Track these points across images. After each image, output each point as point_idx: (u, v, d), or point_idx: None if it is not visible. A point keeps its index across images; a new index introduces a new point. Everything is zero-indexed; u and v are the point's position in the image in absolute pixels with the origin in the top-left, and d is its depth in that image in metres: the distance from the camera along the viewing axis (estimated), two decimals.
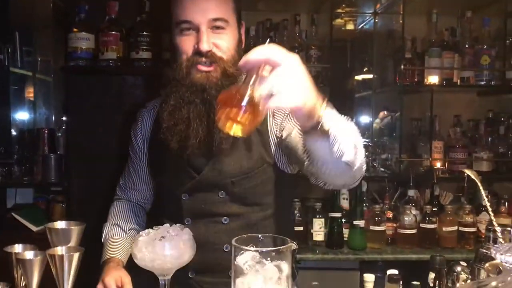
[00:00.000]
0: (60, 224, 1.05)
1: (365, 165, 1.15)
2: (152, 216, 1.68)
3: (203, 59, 1.32)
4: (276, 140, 1.41)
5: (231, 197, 1.41)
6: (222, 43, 1.34)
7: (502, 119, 2.99)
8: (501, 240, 0.90)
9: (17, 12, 2.81)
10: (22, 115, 2.91)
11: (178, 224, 1.04)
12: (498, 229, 0.92)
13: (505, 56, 2.85)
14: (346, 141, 1.03)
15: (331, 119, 0.99)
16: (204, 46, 1.30)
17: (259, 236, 0.97)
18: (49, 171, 2.43)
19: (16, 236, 2.36)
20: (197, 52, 1.32)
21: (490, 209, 0.95)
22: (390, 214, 2.61)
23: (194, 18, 1.31)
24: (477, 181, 0.98)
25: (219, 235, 1.41)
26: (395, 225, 2.59)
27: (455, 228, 2.55)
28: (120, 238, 1.54)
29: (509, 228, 0.93)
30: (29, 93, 2.90)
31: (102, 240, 1.57)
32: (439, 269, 1.24)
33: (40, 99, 2.94)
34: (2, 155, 2.53)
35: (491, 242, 0.92)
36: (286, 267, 0.91)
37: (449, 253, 2.47)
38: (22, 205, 2.64)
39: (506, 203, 2.68)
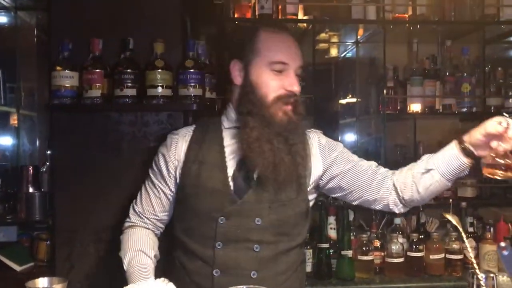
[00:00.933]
0: (42, 282, 1.04)
1: None
2: (175, 239, 1.65)
3: (291, 100, 1.48)
4: (316, 177, 1.59)
5: (266, 224, 1.49)
6: (299, 87, 1.51)
7: None
8: (483, 286, 0.91)
9: (0, 47, 2.82)
10: (5, 151, 2.88)
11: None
12: (481, 276, 0.93)
13: (485, 83, 2.91)
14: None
15: None
16: (295, 88, 1.48)
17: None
18: (33, 209, 2.40)
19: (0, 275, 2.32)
20: (289, 93, 1.48)
21: (473, 258, 0.96)
22: (377, 243, 2.61)
23: (290, 61, 1.49)
24: (458, 227, 0.99)
25: (248, 262, 1.48)
26: (382, 254, 2.59)
27: (442, 255, 2.56)
28: (148, 264, 1.53)
29: (492, 275, 0.94)
30: (13, 129, 2.88)
31: (125, 267, 1.54)
32: None
33: (24, 134, 2.92)
34: None
35: None
36: None
37: (437, 281, 2.48)
38: (5, 243, 2.59)
39: (492, 229, 2.70)
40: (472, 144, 1.44)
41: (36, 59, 2.97)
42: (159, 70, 2.12)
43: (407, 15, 2.90)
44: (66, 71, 2.09)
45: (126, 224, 1.70)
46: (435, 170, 1.49)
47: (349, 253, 2.51)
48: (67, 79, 2.10)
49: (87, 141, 2.24)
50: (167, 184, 1.62)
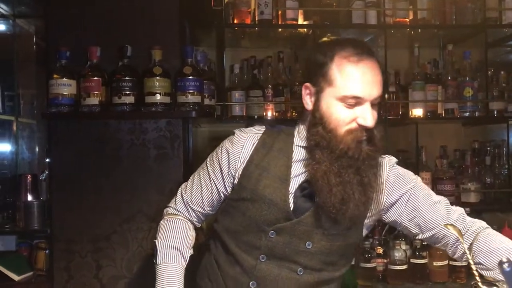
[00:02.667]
0: None
1: None
2: (215, 234, 1.61)
3: (364, 133, 1.38)
4: (377, 211, 1.50)
5: (316, 250, 1.44)
6: (375, 116, 1.40)
7: (488, 148, 3.01)
8: None
9: None
10: (4, 160, 2.88)
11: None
12: None
13: (487, 87, 2.88)
14: None
15: None
16: (370, 123, 1.36)
17: None
18: (32, 218, 2.38)
19: None
20: (362, 127, 1.37)
21: (474, 268, 0.94)
22: (380, 250, 2.58)
23: (365, 95, 1.36)
24: (460, 238, 0.96)
25: (288, 283, 1.45)
26: (385, 261, 2.56)
27: (446, 262, 2.53)
28: (179, 266, 1.49)
29: (494, 287, 0.91)
30: (12, 137, 2.87)
31: (158, 261, 1.49)
32: None
33: (23, 143, 2.91)
34: None
35: None
36: None
37: None
38: (4, 252, 2.57)
39: None
40: None
41: (35, 66, 2.96)
42: (157, 77, 2.11)
43: (408, 20, 2.88)
44: (64, 79, 2.09)
45: (170, 210, 1.63)
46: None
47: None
48: (65, 87, 2.09)
49: (86, 149, 2.24)
50: (224, 181, 1.54)
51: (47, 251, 2.41)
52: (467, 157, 2.95)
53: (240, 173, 1.50)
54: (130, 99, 2.11)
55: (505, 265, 0.64)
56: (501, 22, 2.86)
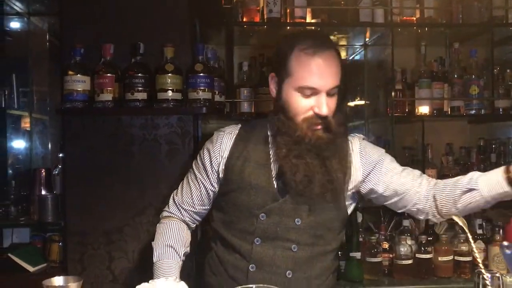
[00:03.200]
0: (58, 281, 1.07)
1: None
2: (214, 231, 1.71)
3: (319, 121, 1.49)
4: (356, 184, 1.62)
5: (305, 225, 1.54)
6: (332, 105, 1.51)
7: (493, 146, 3.04)
8: (489, 286, 0.93)
9: (13, 52, 2.88)
10: (18, 155, 2.94)
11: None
12: (487, 276, 0.95)
13: (493, 85, 2.91)
14: None
15: None
16: (324, 111, 1.47)
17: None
18: (46, 211, 2.44)
19: (13, 277, 2.36)
20: (317, 115, 1.48)
21: (478, 256, 0.98)
22: (386, 245, 2.61)
23: (319, 86, 1.47)
24: (465, 228, 1.01)
25: (285, 261, 1.53)
26: (391, 255, 2.60)
27: (451, 257, 2.56)
28: (174, 262, 1.57)
29: (497, 275, 0.95)
30: (26, 132, 2.93)
31: (154, 259, 1.59)
32: None
33: (37, 138, 2.98)
34: None
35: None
36: None
37: (446, 283, 2.48)
38: (18, 244, 2.64)
39: (501, 230, 2.70)
40: None
41: (48, 63, 3.02)
42: (169, 74, 2.16)
43: (415, 18, 2.91)
44: (78, 75, 2.14)
45: (164, 214, 1.74)
46: (478, 191, 1.48)
47: (358, 255, 2.52)
48: (79, 83, 2.14)
49: (99, 144, 2.29)
50: (209, 179, 1.65)
51: (60, 244, 2.47)
52: (473, 154, 2.98)
53: (223, 167, 1.61)
54: (142, 96, 2.16)
55: (506, 249, 0.69)
56: (508, 21, 2.90)
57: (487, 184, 1.47)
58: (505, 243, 0.69)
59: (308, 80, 1.46)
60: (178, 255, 1.60)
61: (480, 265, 0.96)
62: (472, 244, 1.00)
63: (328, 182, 1.50)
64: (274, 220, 1.53)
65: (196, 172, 1.69)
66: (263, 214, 1.53)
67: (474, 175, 1.54)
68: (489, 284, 0.90)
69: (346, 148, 1.59)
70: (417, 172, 1.65)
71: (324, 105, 1.46)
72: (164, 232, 1.64)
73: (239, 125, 1.70)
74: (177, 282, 1.02)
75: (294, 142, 1.49)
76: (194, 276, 2.23)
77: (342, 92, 1.59)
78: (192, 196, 1.68)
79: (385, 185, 1.61)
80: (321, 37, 1.60)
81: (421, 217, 1.66)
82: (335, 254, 1.70)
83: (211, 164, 1.64)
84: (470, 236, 1.02)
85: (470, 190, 1.49)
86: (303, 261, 1.55)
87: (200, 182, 1.67)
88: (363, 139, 1.69)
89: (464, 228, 1.00)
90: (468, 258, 2.55)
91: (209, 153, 1.65)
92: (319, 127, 1.49)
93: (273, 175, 1.56)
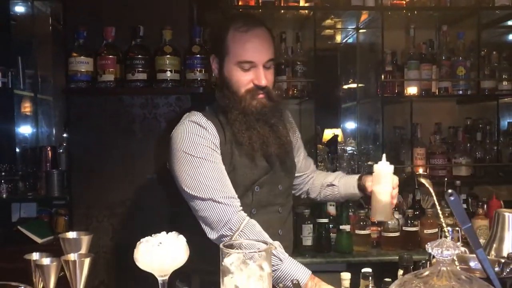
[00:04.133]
0: (72, 234, 1.21)
1: None
2: None
3: (260, 92, 1.64)
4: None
5: (284, 189, 1.75)
6: (270, 78, 1.67)
7: (480, 125, 3.16)
8: (449, 238, 1.06)
9: (18, 35, 2.98)
10: (25, 133, 3.06)
11: (173, 232, 1.19)
12: (447, 229, 1.08)
13: (479, 66, 3.02)
14: None
15: None
16: (263, 82, 1.62)
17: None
18: (52, 186, 2.57)
19: (22, 248, 2.50)
20: (257, 87, 1.63)
21: (440, 213, 1.11)
22: (374, 219, 2.75)
23: (255, 59, 1.61)
24: (430, 189, 1.14)
25: (276, 222, 1.71)
26: (379, 229, 2.73)
27: (436, 230, 2.69)
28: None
29: (457, 228, 1.09)
30: (31, 112, 3.05)
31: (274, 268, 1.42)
32: (406, 266, 1.40)
33: (42, 117, 3.10)
34: (8, 172, 2.67)
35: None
36: (266, 266, 1.07)
37: None
38: (26, 218, 2.78)
39: (485, 206, 2.84)
40: (366, 185, 1.77)
41: (51, 47, 3.13)
42: (168, 56, 2.28)
43: (404, 2, 3.00)
44: (82, 57, 2.26)
45: (242, 214, 1.57)
46: (337, 187, 1.91)
47: (348, 227, 2.66)
48: (82, 64, 2.26)
49: (101, 122, 2.42)
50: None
51: (66, 217, 2.61)
52: (459, 133, 3.10)
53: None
54: (142, 76, 2.28)
55: (450, 196, 0.81)
56: (494, 4, 2.98)
57: (344, 184, 1.89)
58: (449, 190, 0.81)
59: (245, 54, 1.61)
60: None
61: (442, 219, 1.09)
62: (437, 206, 1.13)
63: (284, 144, 1.69)
64: (266, 190, 1.68)
65: (215, 160, 1.59)
66: (257, 186, 1.67)
67: (339, 174, 1.97)
68: (448, 234, 1.04)
69: (285, 116, 1.79)
70: (311, 162, 2.04)
71: (263, 77, 1.61)
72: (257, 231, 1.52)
73: (201, 114, 1.66)
74: (177, 235, 1.15)
75: (243, 115, 1.62)
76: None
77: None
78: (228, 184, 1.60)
79: (303, 157, 1.94)
80: (252, 17, 1.78)
81: (297, 194, 2.00)
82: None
83: (217, 148, 1.62)
84: (435, 198, 1.15)
85: (332, 185, 1.92)
86: (285, 219, 1.76)
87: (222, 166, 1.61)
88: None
89: (430, 188, 1.13)
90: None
91: (211, 141, 1.60)
92: (261, 96, 1.64)
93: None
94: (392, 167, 1.62)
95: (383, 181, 1.60)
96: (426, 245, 0.80)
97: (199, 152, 1.56)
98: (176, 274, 1.24)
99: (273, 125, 1.67)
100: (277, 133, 1.68)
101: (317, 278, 1.49)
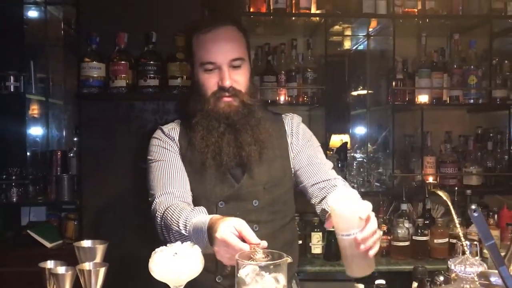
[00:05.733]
0: (87, 243, 1.21)
1: None
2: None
3: (226, 94, 1.55)
4: (292, 157, 1.66)
5: (263, 205, 1.58)
6: (240, 79, 1.58)
7: (490, 135, 3.14)
8: (468, 253, 1.05)
9: (31, 40, 3.00)
10: (35, 138, 3.08)
11: (188, 242, 1.18)
12: (465, 243, 1.07)
13: (491, 75, 3.00)
14: None
15: None
16: (227, 83, 1.54)
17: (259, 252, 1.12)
18: (62, 191, 2.58)
19: (31, 252, 2.51)
20: (221, 88, 1.55)
21: (458, 226, 1.10)
22: (384, 227, 2.73)
23: (217, 59, 1.54)
24: (448, 201, 1.13)
25: None
26: (389, 237, 2.72)
27: (446, 240, 2.68)
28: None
29: (475, 242, 1.07)
30: (42, 116, 3.07)
31: (187, 229, 1.38)
32: (421, 278, 1.39)
33: (53, 122, 3.11)
34: (18, 175, 2.68)
35: (460, 255, 1.06)
36: (282, 278, 1.06)
37: (441, 264, 2.59)
38: (36, 222, 2.78)
39: (496, 216, 2.82)
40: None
41: (63, 51, 3.15)
42: (180, 62, 2.27)
43: (416, 10, 3.00)
44: (94, 62, 2.27)
45: (159, 210, 1.56)
46: None
47: None
48: (95, 70, 2.27)
49: (113, 127, 2.42)
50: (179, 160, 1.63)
51: (76, 222, 2.61)
52: (470, 142, 3.08)
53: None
54: (154, 82, 2.28)
55: (473, 212, 0.80)
56: (506, 13, 2.96)
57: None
58: (473, 206, 0.80)
59: (206, 55, 1.55)
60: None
61: (460, 233, 1.08)
62: (454, 216, 1.12)
63: (238, 155, 1.55)
64: (233, 206, 1.55)
65: (167, 158, 1.62)
66: (221, 202, 1.56)
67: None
68: (467, 249, 1.02)
69: (264, 120, 1.61)
70: (333, 173, 1.68)
71: (226, 77, 1.53)
72: (174, 212, 1.47)
73: (175, 122, 1.71)
74: (192, 245, 1.15)
75: (206, 119, 1.55)
76: None
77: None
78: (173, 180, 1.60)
79: (308, 164, 1.65)
80: (218, 18, 1.71)
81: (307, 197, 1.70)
82: (293, 224, 1.75)
83: (174, 150, 1.64)
84: (453, 211, 1.14)
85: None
86: (266, 238, 1.42)
87: (175, 164, 1.62)
88: (300, 119, 1.75)
89: (447, 200, 1.12)
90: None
91: (167, 144, 1.64)
92: (229, 99, 1.55)
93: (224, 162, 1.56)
94: (359, 203, 1.19)
95: (345, 226, 1.17)
96: (448, 262, 0.78)
97: (152, 155, 1.63)
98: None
99: (238, 131, 1.56)
100: (246, 140, 1.55)
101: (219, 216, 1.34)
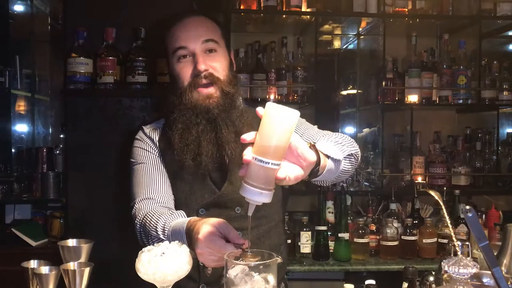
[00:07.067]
0: (72, 242, 1.18)
1: (359, 154, 1.47)
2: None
3: (203, 80, 1.46)
4: None
5: (246, 211, 1.45)
6: (216, 64, 1.50)
7: (479, 135, 3.15)
8: (459, 253, 1.03)
9: (16, 34, 2.94)
10: (21, 134, 3.03)
11: (176, 242, 1.16)
12: (457, 243, 1.06)
13: (480, 76, 3.01)
14: (345, 165, 1.31)
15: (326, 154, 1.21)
16: (201, 67, 1.46)
17: (248, 251, 1.10)
18: (48, 188, 2.54)
19: (15, 250, 2.47)
20: (196, 74, 1.47)
21: (450, 226, 1.09)
22: (373, 227, 2.73)
23: (188, 43, 1.48)
24: (440, 201, 1.12)
25: None
26: (378, 237, 2.71)
27: (435, 240, 2.68)
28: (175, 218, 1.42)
29: (467, 243, 1.06)
30: (28, 112, 3.02)
31: (165, 233, 1.37)
32: (411, 279, 1.38)
33: (38, 118, 3.06)
34: (2, 172, 2.64)
35: (452, 256, 1.05)
36: (272, 278, 1.04)
37: (429, 263, 2.59)
38: (20, 220, 2.74)
39: (483, 216, 2.83)
40: None
41: (49, 47, 3.10)
42: None
43: (406, 9, 3.00)
44: (81, 58, 2.22)
45: (138, 215, 1.55)
46: None
47: (346, 235, 2.64)
48: (82, 65, 2.22)
49: (100, 124, 2.37)
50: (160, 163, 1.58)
51: (61, 220, 2.57)
52: (459, 142, 3.09)
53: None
54: (142, 78, 2.25)
55: (468, 213, 0.79)
56: (496, 14, 2.99)
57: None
58: (467, 207, 0.79)
59: (177, 41, 1.49)
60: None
61: (452, 234, 1.07)
62: (448, 220, 1.11)
63: (219, 155, 1.47)
64: (214, 213, 1.46)
65: (148, 162, 1.59)
66: (202, 209, 1.49)
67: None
68: (459, 250, 1.01)
69: (247, 114, 1.52)
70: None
71: (200, 61, 1.46)
72: (153, 218, 1.45)
73: (159, 121, 1.66)
74: (180, 245, 1.12)
75: (182, 113, 1.47)
76: None
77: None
78: (153, 184, 1.56)
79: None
80: (189, 10, 1.70)
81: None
82: (280, 228, 1.65)
83: (153, 153, 1.59)
84: (445, 212, 1.12)
85: None
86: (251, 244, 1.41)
87: (156, 168, 1.57)
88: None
89: (439, 200, 1.10)
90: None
91: (147, 147, 1.60)
92: (204, 89, 1.46)
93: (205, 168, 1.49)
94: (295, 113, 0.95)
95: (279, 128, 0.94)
96: (442, 263, 0.77)
97: (133, 157, 1.59)
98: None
99: (222, 127, 1.46)
100: (227, 138, 1.46)
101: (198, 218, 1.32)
